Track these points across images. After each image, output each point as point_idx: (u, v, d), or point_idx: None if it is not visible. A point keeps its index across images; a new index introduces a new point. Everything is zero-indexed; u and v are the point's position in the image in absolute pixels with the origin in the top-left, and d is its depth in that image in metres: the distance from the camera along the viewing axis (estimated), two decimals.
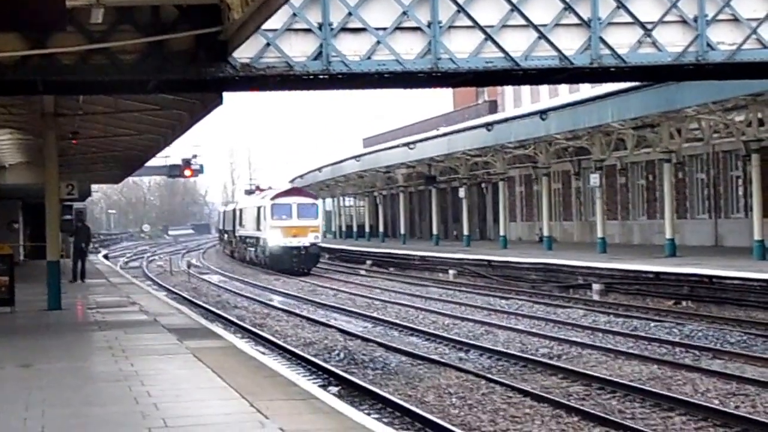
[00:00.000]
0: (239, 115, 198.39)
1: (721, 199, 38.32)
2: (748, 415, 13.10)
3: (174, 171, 57.22)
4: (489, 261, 38.50)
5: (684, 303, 26.64)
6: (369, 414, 12.77)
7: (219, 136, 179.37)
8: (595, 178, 37.22)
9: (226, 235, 69.64)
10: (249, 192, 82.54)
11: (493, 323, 24.14)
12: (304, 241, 47.09)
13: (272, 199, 48.64)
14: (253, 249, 53.46)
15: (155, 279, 44.95)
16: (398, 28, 15.95)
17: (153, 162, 45.94)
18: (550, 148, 42.00)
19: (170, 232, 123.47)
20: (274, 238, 47.56)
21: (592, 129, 35.37)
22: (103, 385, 12.05)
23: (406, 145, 50.87)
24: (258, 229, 50.79)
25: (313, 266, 47.81)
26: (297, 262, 46.91)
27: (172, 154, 57.16)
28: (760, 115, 29.40)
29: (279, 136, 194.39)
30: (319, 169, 70.11)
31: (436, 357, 19.25)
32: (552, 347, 20.06)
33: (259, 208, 50.40)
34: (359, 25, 15.89)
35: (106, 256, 63.07)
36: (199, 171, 57.93)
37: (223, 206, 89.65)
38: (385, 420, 13.31)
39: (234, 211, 62.09)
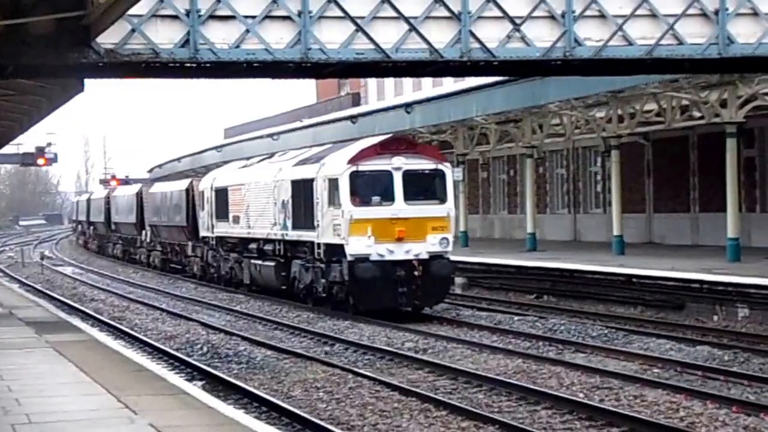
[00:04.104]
0: (94, 102, 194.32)
1: (580, 194, 39.25)
2: (612, 409, 13.26)
3: (27, 159, 55.30)
4: None
5: (545, 297, 27.08)
6: (237, 409, 12.51)
7: (73, 124, 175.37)
8: (457, 172, 37.49)
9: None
10: (104, 182, 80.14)
11: (358, 317, 24.05)
12: (419, 249, 23.24)
13: (352, 161, 23.56)
14: (269, 263, 28.10)
15: (6, 270, 43.50)
16: (268, 17, 15.74)
17: (5, 150, 44.32)
18: None
19: (21, 223, 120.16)
20: (358, 244, 23.24)
21: (456, 123, 35.70)
22: None
23: (270, 136, 50.43)
24: (306, 225, 25.40)
25: (439, 301, 24.27)
26: (406, 294, 23.23)
27: (25, 141, 55.30)
28: (620, 112, 30.19)
29: (136, 125, 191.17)
30: (179, 159, 69.06)
31: (301, 351, 19.10)
32: (417, 341, 20.09)
33: (310, 183, 25.19)
34: (228, 13, 15.61)
35: None
36: (54, 160, 56.23)
37: (77, 195, 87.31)
38: (251, 415, 13.05)
39: (188, 192, 37.38)
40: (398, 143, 24.07)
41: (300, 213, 25.84)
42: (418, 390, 14.86)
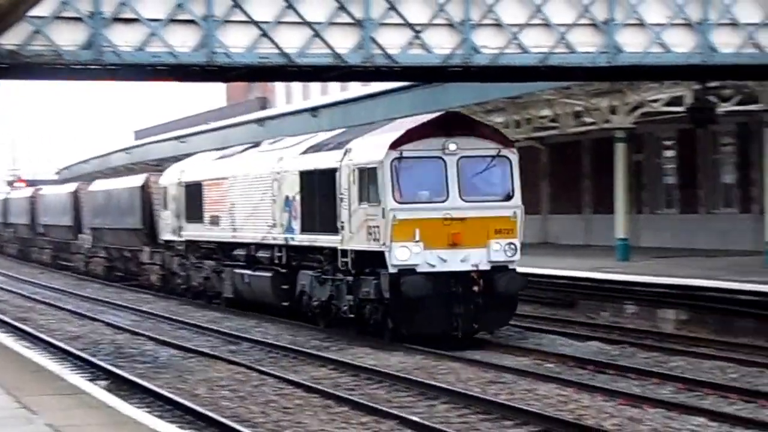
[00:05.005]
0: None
1: None
2: (506, 402, 13.77)
3: None
4: None
5: None
6: (139, 408, 12.72)
7: None
8: None
9: None
10: (10, 183, 78.62)
11: (264, 317, 24.30)
12: (478, 257, 18.85)
13: (395, 145, 18.99)
14: (263, 274, 23.35)
15: None
16: (173, 21, 15.89)
17: None
18: None
19: None
20: (403, 252, 18.62)
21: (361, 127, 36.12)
22: None
23: (177, 138, 50.35)
24: (323, 227, 20.72)
25: (504, 324, 19.78)
26: (462, 315, 18.71)
27: None
28: (517, 118, 31.13)
29: (44, 126, 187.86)
30: (87, 161, 68.42)
31: (207, 350, 19.31)
32: (322, 339, 20.43)
33: (329, 174, 20.42)
34: (132, 16, 15.73)
35: None
36: None
37: None
38: (155, 413, 13.26)
39: (143, 189, 32.65)
40: (453, 122, 19.30)
41: (313, 212, 21.02)
42: (320, 387, 15.17)
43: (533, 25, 16.77)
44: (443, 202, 18.77)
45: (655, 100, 26.67)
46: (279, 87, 59.00)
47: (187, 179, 28.22)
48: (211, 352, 18.96)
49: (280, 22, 16.26)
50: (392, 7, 16.49)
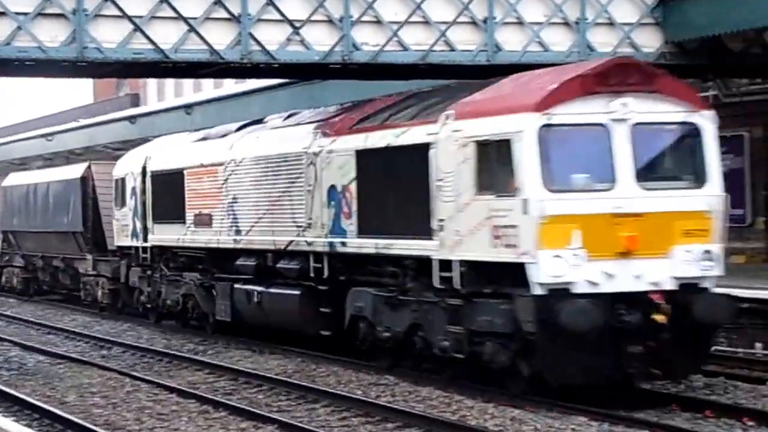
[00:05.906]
0: None
1: None
2: (387, 404, 13.69)
3: None
4: None
5: None
6: (6, 417, 12.29)
7: None
8: None
9: None
10: None
11: (137, 320, 23.78)
12: (659, 272, 12.92)
13: (542, 106, 12.72)
14: (287, 291, 17.69)
15: None
16: (40, 14, 15.48)
17: None
18: None
19: None
20: (556, 264, 12.58)
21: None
22: None
23: (44, 136, 49.20)
24: (400, 228, 14.89)
25: (698, 369, 14.00)
26: (641, 357, 12.75)
27: None
28: None
29: None
30: None
31: (76, 355, 18.84)
32: (197, 343, 20.09)
33: (413, 153, 14.48)
34: None
35: None
36: None
37: None
38: (23, 422, 12.82)
39: (84, 182, 27.26)
40: (624, 73, 13.16)
41: (382, 207, 15.45)
42: (197, 392, 14.89)
43: (413, 22, 16.88)
44: (610, 189, 13.06)
45: None
46: (151, 83, 58.19)
47: (159, 167, 21.95)
48: (82, 358, 18.51)
49: (154, 17, 15.98)
50: (270, 3, 16.36)
